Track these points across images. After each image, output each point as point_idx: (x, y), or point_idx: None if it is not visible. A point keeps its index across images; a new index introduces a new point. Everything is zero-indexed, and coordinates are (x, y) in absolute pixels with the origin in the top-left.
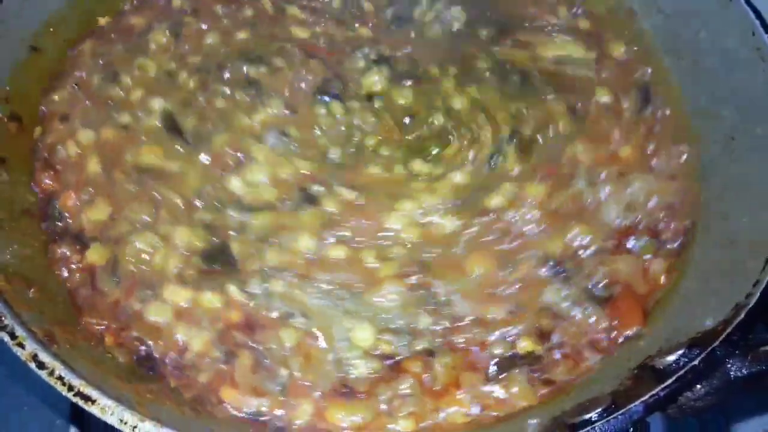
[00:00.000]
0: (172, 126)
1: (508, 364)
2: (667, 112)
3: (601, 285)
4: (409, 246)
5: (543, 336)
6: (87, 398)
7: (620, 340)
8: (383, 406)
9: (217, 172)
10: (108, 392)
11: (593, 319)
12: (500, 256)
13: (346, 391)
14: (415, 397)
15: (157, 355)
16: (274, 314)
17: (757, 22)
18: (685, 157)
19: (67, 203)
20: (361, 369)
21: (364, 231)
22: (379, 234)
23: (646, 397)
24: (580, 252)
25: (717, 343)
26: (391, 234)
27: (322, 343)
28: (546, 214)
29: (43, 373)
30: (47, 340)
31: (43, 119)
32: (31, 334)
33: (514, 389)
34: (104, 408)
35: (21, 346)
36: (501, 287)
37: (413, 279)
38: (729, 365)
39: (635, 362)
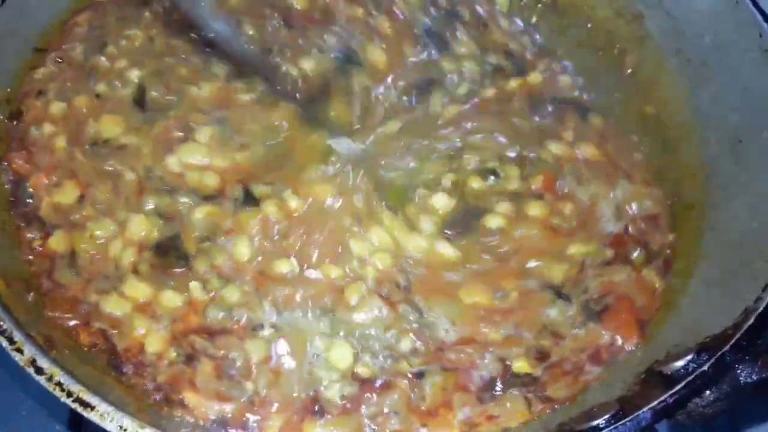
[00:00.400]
0: (140, 97)
1: (502, 383)
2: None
3: (597, 299)
4: (380, 268)
5: (541, 356)
6: (86, 404)
7: (619, 355)
8: (367, 422)
9: (163, 149)
10: (108, 398)
11: (593, 334)
12: (495, 282)
13: (316, 410)
14: (401, 415)
15: (120, 350)
16: (241, 321)
17: (765, 25)
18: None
19: (38, 184)
20: (334, 392)
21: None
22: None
23: (655, 403)
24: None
25: (726, 348)
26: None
27: (291, 360)
28: (545, 231)
29: (41, 379)
30: (46, 344)
31: (20, 100)
32: (29, 339)
33: (508, 406)
34: (104, 414)
35: (19, 351)
36: (496, 313)
37: (395, 298)
38: (738, 371)
39: (643, 367)
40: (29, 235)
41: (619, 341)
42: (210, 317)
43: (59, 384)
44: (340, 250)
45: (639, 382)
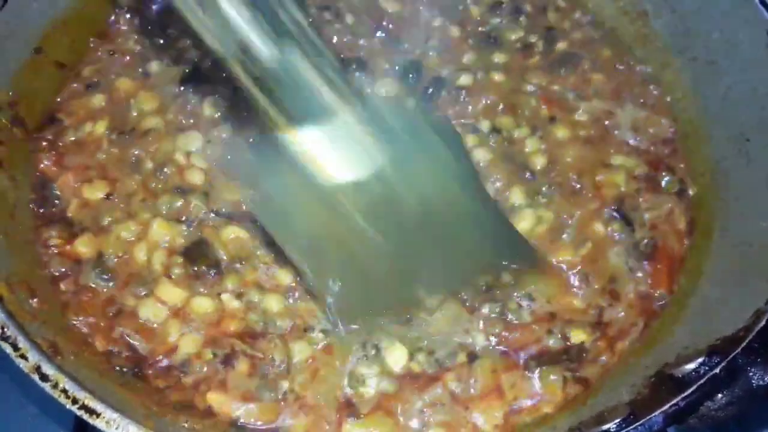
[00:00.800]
0: (187, 76)
1: (548, 359)
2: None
3: (647, 239)
4: None
5: (597, 322)
6: (92, 411)
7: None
8: (403, 418)
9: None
10: (114, 405)
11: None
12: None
13: (351, 407)
14: (446, 407)
15: (144, 354)
16: (287, 329)
17: None
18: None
19: (65, 185)
20: (371, 388)
21: None
22: None
23: (666, 407)
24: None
25: (738, 350)
26: None
27: (333, 360)
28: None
29: (46, 386)
30: (51, 351)
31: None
32: (34, 345)
33: (544, 388)
34: (109, 421)
35: (24, 357)
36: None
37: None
38: (751, 374)
39: (652, 370)
40: (49, 233)
41: (652, 290)
42: (251, 321)
43: (64, 391)
44: None
45: (649, 385)
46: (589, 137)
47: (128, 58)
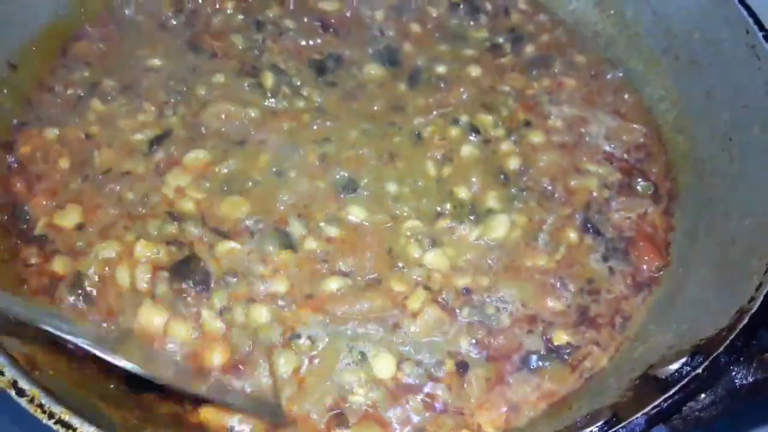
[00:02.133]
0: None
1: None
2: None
3: (618, 237)
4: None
5: (582, 319)
6: (68, 426)
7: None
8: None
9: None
10: (92, 419)
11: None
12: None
13: (339, 418)
14: (438, 415)
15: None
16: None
17: (751, 20)
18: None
19: (37, 207)
20: (359, 397)
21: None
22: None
23: (648, 408)
24: (602, 193)
25: (721, 350)
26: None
27: (321, 369)
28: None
29: (22, 401)
30: (28, 365)
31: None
32: (11, 360)
33: (547, 378)
34: None
35: (1, 373)
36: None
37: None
38: (734, 373)
39: (637, 372)
40: (28, 255)
41: (645, 268)
42: (236, 343)
43: (41, 405)
44: (397, 262)
45: (632, 387)
46: (563, 143)
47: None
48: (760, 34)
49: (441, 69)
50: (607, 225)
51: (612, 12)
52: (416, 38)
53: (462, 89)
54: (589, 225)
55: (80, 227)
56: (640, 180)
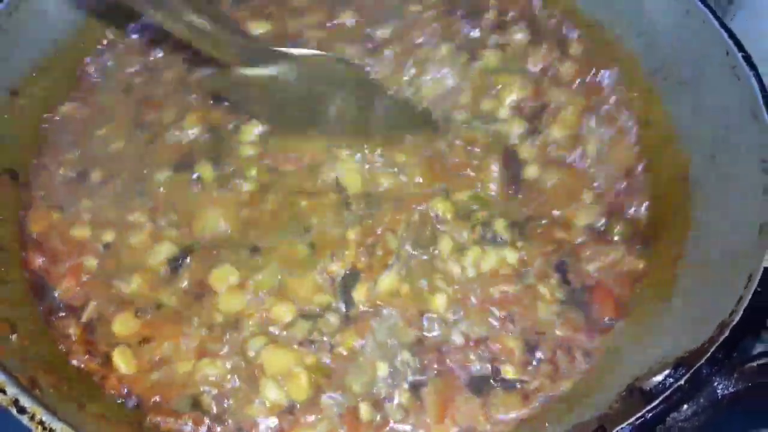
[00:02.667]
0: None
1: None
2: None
3: (582, 288)
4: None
5: (529, 357)
6: None
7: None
8: None
9: None
10: None
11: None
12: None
13: None
14: None
15: None
16: None
17: (731, 42)
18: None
19: (68, 294)
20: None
21: None
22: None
23: (633, 419)
24: (580, 239)
25: (702, 361)
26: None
27: None
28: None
29: (23, 418)
30: (30, 384)
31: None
32: (12, 379)
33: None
34: None
35: (2, 391)
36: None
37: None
38: (716, 384)
39: (624, 384)
40: (66, 328)
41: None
42: None
43: (41, 423)
44: None
45: (619, 399)
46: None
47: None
48: (740, 56)
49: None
50: (578, 272)
51: (599, 35)
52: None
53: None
54: (560, 271)
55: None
56: (615, 224)
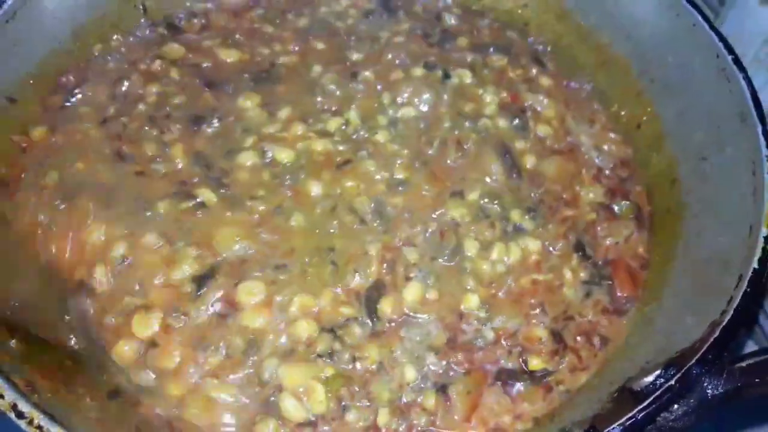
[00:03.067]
0: None
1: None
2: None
3: (603, 264)
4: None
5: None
6: None
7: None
8: None
9: None
10: None
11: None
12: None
13: None
14: None
15: None
16: None
17: (721, 45)
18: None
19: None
20: None
21: None
22: None
23: (624, 419)
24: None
25: (693, 362)
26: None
27: None
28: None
29: (22, 423)
30: (28, 389)
31: None
32: (11, 385)
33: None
34: None
35: (1, 396)
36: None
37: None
38: (705, 384)
39: (616, 384)
40: None
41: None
42: None
43: (39, 427)
44: None
45: (612, 399)
46: (560, 150)
47: None
48: (730, 58)
49: None
50: (596, 248)
51: (588, 37)
52: None
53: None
54: (579, 248)
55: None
56: (621, 200)
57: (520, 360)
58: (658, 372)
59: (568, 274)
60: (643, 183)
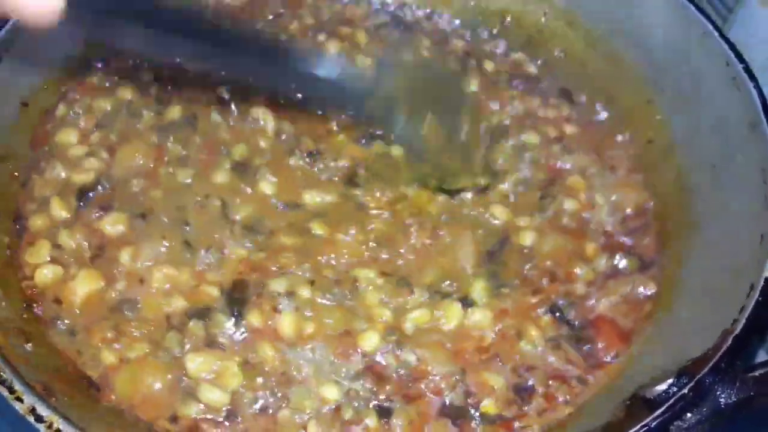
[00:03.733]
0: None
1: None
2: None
3: (578, 323)
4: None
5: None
6: None
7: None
8: None
9: None
10: None
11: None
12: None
13: None
14: None
15: None
16: None
17: (731, 53)
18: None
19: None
20: None
21: None
22: None
23: (637, 428)
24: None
25: (706, 370)
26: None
27: None
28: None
29: (41, 427)
30: (45, 393)
31: None
32: (29, 388)
33: None
34: None
35: (19, 400)
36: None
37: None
38: (718, 392)
39: (628, 393)
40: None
41: (602, 351)
42: None
43: (58, 431)
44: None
45: (624, 408)
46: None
47: None
48: (740, 66)
49: None
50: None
51: (597, 44)
52: None
53: None
54: (555, 311)
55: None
56: (622, 257)
57: (468, 401)
58: (670, 380)
59: (532, 332)
60: (653, 233)
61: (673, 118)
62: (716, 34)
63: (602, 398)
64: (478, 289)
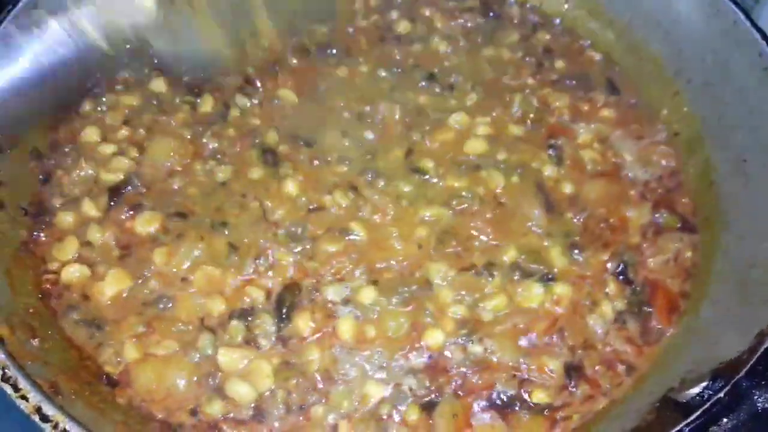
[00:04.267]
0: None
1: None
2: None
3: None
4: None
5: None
6: None
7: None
8: None
9: None
10: None
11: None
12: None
13: None
14: None
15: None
16: None
17: (764, 43)
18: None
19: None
20: None
21: None
22: None
23: None
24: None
25: (742, 373)
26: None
27: None
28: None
29: (47, 427)
30: (52, 391)
31: None
32: (35, 386)
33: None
34: None
35: (24, 398)
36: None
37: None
38: (756, 396)
39: (656, 396)
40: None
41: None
42: None
43: (64, 431)
44: None
45: (653, 410)
46: (603, 172)
47: None
48: None
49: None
50: (638, 271)
51: (624, 34)
52: None
53: None
54: (622, 275)
55: None
56: (663, 212)
57: (522, 390)
58: (704, 383)
59: (604, 305)
60: (690, 193)
61: (700, 110)
62: (748, 23)
63: (627, 400)
64: (556, 255)
